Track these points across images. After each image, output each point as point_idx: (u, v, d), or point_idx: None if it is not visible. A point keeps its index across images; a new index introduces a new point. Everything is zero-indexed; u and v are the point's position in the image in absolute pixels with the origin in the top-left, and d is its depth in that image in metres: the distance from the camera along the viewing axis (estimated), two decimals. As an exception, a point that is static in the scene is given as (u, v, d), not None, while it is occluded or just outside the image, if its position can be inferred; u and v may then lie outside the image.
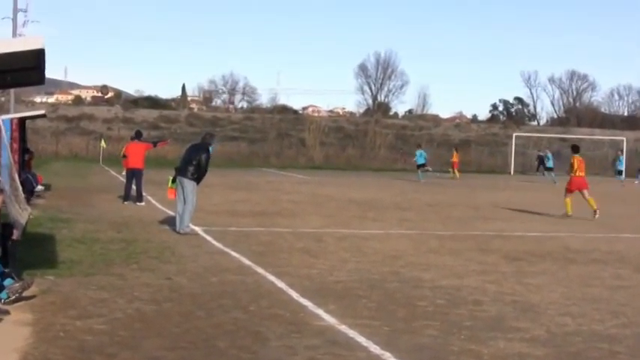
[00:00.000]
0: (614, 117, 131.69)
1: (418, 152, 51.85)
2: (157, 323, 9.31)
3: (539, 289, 12.49)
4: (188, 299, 10.78)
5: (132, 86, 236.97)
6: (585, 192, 26.21)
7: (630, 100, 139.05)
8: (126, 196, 25.63)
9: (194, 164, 18.43)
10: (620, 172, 56.81)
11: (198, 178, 18.58)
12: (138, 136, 26.93)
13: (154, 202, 25.36)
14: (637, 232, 22.09)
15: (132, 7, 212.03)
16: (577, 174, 26.18)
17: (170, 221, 19.25)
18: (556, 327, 9.78)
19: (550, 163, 55.01)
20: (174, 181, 18.94)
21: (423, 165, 50.94)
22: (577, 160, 26.34)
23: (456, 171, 56.03)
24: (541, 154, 63.63)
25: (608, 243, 19.03)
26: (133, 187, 25.76)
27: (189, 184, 18.46)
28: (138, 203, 24.89)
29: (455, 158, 57.18)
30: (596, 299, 11.75)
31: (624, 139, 77.94)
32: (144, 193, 25.62)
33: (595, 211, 25.35)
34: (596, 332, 9.58)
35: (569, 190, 26.44)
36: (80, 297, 10.66)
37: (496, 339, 9.04)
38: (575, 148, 27.54)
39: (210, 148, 19.00)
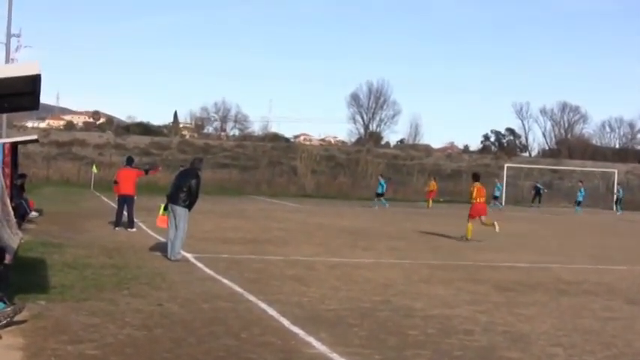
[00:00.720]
0: (606, 149, 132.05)
1: (382, 181, 54.69)
2: (148, 349, 9.32)
3: (530, 319, 12.52)
4: (179, 325, 10.78)
5: (124, 112, 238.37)
6: (483, 218, 28.19)
7: (622, 133, 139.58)
8: (117, 222, 25.60)
9: (185, 190, 18.48)
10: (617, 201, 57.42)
11: (190, 204, 18.62)
12: (129, 162, 26.94)
13: (145, 228, 25.34)
14: (627, 263, 22.14)
15: (125, 33, 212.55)
16: (477, 200, 28.16)
17: (161, 248, 19.24)
18: (547, 357, 9.82)
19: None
20: (165, 208, 18.98)
21: (381, 194, 53.73)
22: (476, 187, 28.29)
23: (430, 200, 56.50)
24: (537, 184, 63.96)
25: (598, 274, 19.08)
26: (125, 213, 25.74)
27: (181, 211, 18.50)
28: (129, 229, 24.87)
29: (432, 187, 57.73)
30: (586, 330, 11.79)
31: (615, 171, 78.14)
32: (135, 220, 25.60)
33: (494, 225, 27.59)
34: (586, 363, 9.61)
35: (471, 216, 28.09)
36: (71, 322, 10.66)
37: (487, 369, 9.07)
38: (476, 177, 29.72)
39: (200, 173, 19.10)
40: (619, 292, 16.07)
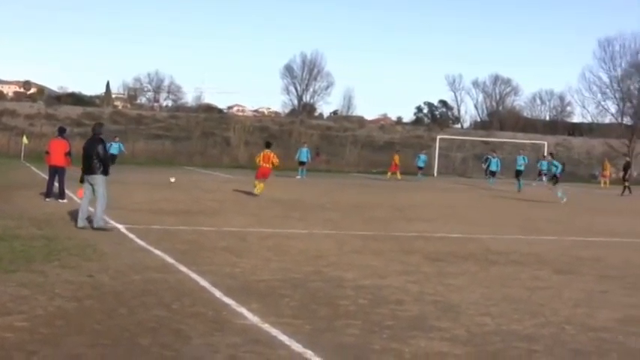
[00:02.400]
0: (536, 121, 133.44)
1: (303, 150, 55.32)
2: (78, 320, 9.25)
3: (460, 289, 12.64)
4: (110, 297, 10.72)
5: (55, 83, 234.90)
6: (261, 183, 31.94)
7: (552, 105, 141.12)
8: (47, 193, 25.33)
9: (95, 158, 18.45)
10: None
11: (104, 170, 18.57)
12: (61, 132, 26.60)
13: (76, 199, 25.11)
14: (556, 234, 22.43)
15: (57, 1, 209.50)
16: (262, 164, 32.43)
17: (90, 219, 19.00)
18: (476, 327, 9.92)
19: (493, 166, 55.79)
20: (82, 180, 18.91)
21: (303, 163, 54.46)
22: (263, 154, 32.83)
23: (398, 173, 57.11)
24: (489, 156, 64.16)
25: (528, 245, 19.31)
26: (56, 184, 25.47)
27: (97, 179, 18.50)
28: (60, 200, 24.61)
29: (396, 161, 58.24)
30: (515, 300, 11.93)
31: (545, 143, 79.10)
32: (66, 191, 25.35)
33: (258, 189, 31.60)
34: (514, 332, 9.74)
35: (257, 177, 32.30)
36: (0, 294, 10.53)
37: (417, 338, 9.14)
38: (267, 144, 34.27)
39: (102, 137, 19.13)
40: (547, 262, 16.28)
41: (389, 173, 58.05)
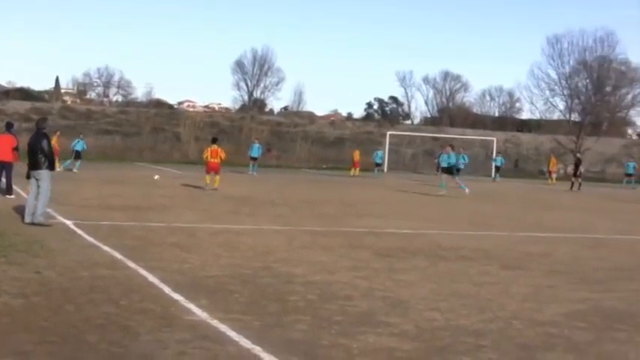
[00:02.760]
0: (485, 117, 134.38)
1: (255, 146, 55.25)
2: (25, 317, 9.18)
3: (409, 285, 12.69)
4: (57, 293, 10.64)
5: (3, 77, 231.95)
6: (213, 175, 33.56)
7: (501, 102, 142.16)
8: None
9: (39, 154, 18.30)
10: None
11: (49, 164, 18.46)
12: (8, 127, 26.38)
13: (24, 195, 24.90)
14: (504, 230, 22.61)
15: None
16: (211, 160, 33.81)
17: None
18: (425, 322, 9.96)
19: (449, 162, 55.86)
20: (27, 176, 18.78)
21: (255, 158, 54.53)
22: (211, 149, 34.32)
23: (357, 170, 57.33)
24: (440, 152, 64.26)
25: (476, 240, 19.43)
26: (3, 179, 25.24)
27: (42, 174, 18.39)
28: (7, 196, 24.41)
29: (356, 157, 58.51)
30: (463, 295, 12.00)
31: (494, 139, 79.70)
32: (14, 186, 25.13)
33: (212, 183, 33.06)
34: (463, 327, 9.79)
35: (206, 172, 33.93)
36: (-54, 291, 10.44)
37: (366, 333, 9.17)
38: (213, 140, 35.97)
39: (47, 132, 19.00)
40: (495, 258, 16.40)
41: (352, 170, 58.13)
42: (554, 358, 8.54)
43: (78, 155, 45.49)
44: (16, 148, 25.45)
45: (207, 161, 34.04)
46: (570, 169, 78.74)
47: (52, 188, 18.71)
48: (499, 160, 63.85)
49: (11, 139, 25.55)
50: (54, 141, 44.34)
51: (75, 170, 43.20)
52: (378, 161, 61.68)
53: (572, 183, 50.95)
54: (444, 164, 42.33)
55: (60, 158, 43.06)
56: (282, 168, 61.44)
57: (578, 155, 57.21)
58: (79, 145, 46.25)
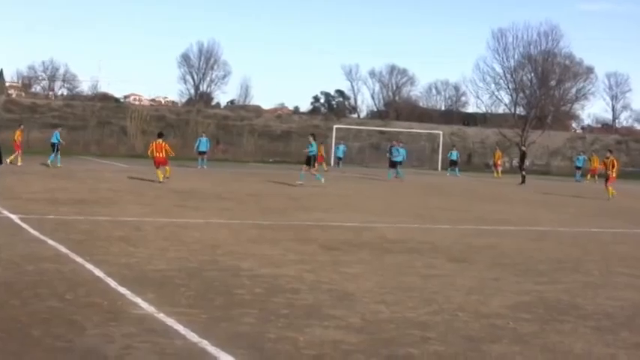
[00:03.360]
0: (432, 111, 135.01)
1: (202, 140, 55.33)
2: (-31, 312, 9.12)
3: (355, 277, 12.74)
4: (2, 288, 10.55)
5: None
6: (162, 168, 34.16)
7: (447, 95, 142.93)
8: None
9: None
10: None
11: None
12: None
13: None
14: (451, 223, 22.76)
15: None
16: (157, 154, 34.61)
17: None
18: (371, 314, 10.02)
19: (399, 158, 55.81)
20: None
21: (203, 152, 54.53)
22: (155, 144, 35.15)
23: (324, 164, 57.15)
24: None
25: (423, 233, 19.55)
26: None
27: None
28: None
29: (321, 151, 58.25)
30: (409, 287, 12.07)
31: (441, 132, 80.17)
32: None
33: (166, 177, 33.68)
34: (409, 319, 9.86)
35: (156, 166, 34.39)
36: None
37: (312, 326, 9.20)
38: (159, 135, 36.59)
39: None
40: (441, 251, 16.51)
41: (322, 165, 57.61)
42: (500, 350, 8.62)
43: (54, 147, 45.30)
44: None
45: (153, 156, 34.77)
46: (516, 162, 79.44)
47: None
48: (454, 154, 63.46)
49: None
50: (17, 135, 44.06)
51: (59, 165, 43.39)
52: (340, 155, 61.64)
53: (523, 177, 51.28)
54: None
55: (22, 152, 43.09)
56: (229, 162, 61.27)
57: (523, 148, 57.49)
58: (55, 137, 46.06)
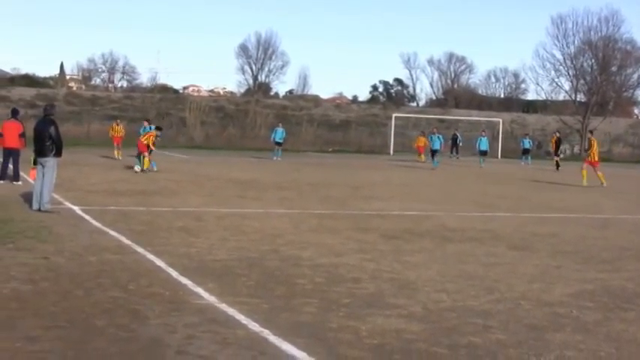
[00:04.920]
0: (491, 99, 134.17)
1: (278, 130, 54.04)
2: (33, 302, 9.21)
3: (416, 266, 12.70)
4: (66, 278, 10.66)
5: (8, 64, 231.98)
6: (146, 159, 33.09)
7: (506, 83, 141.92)
8: (2, 176, 25.09)
9: (47, 140, 18.17)
10: (483, 153, 56.65)
11: (57, 151, 18.32)
12: (14, 114, 26.36)
13: (31, 181, 24.91)
14: (510, 210, 22.61)
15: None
16: (142, 140, 33.45)
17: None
18: (432, 303, 9.98)
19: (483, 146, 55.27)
20: (35, 162, 18.64)
21: (279, 143, 53.22)
22: (151, 135, 34.02)
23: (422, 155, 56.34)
24: (456, 134, 63.36)
25: (483, 221, 19.43)
26: (10, 166, 25.27)
27: (49, 161, 18.25)
28: (14, 183, 24.42)
29: (421, 143, 57.33)
30: (471, 276, 12.01)
31: (500, 120, 79.60)
32: (21, 173, 25.14)
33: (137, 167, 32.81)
34: (470, 308, 9.80)
35: (139, 152, 33.40)
36: (-46, 277, 10.46)
37: (374, 315, 9.18)
38: (147, 120, 37.61)
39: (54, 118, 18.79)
40: (502, 239, 16.40)
41: (422, 155, 56.67)
42: (563, 339, 8.54)
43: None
44: (22, 135, 25.45)
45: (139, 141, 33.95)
46: (577, 149, 78.72)
47: (58, 174, 18.71)
48: (527, 142, 61.37)
49: (17, 126, 25.54)
50: (114, 130, 44.34)
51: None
52: (437, 147, 58.83)
53: (557, 163, 50.32)
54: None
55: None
56: (287, 152, 61.32)
57: (558, 134, 55.73)
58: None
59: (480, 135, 55.87)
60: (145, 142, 33.33)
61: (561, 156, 53.36)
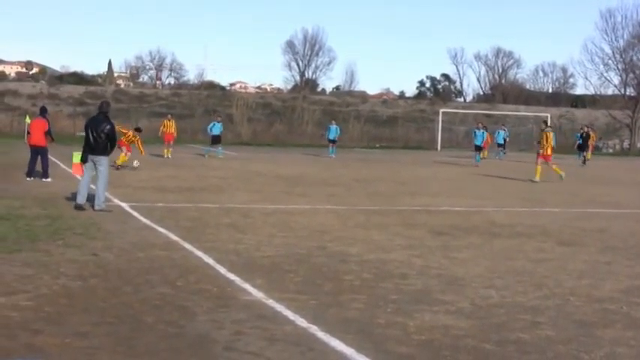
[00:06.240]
0: (539, 93, 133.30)
1: (332, 127, 52.96)
2: (82, 299, 9.27)
3: (464, 262, 12.65)
4: (114, 275, 10.73)
5: (57, 62, 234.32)
6: (123, 154, 31.68)
7: (554, 77, 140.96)
8: (29, 173, 25.18)
9: (103, 138, 18.03)
10: (500, 146, 55.48)
11: (110, 149, 18.26)
12: (42, 112, 26.45)
13: (79, 178, 25.08)
14: (559, 206, 22.46)
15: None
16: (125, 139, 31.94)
17: (92, 198, 18.74)
18: (480, 299, 9.93)
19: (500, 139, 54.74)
20: (84, 160, 18.46)
21: (334, 141, 51.98)
22: (130, 132, 32.54)
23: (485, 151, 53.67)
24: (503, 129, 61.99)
25: (531, 217, 19.32)
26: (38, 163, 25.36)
27: (102, 159, 18.16)
28: (44, 179, 24.50)
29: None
30: (519, 272, 11.94)
31: (549, 115, 78.99)
32: (64, 168, 25.21)
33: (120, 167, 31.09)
34: (519, 304, 9.74)
35: (120, 147, 30.89)
36: (5, 273, 10.54)
37: (422, 311, 9.16)
38: (138, 129, 33.81)
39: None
40: (551, 234, 16.29)
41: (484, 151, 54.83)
42: (613, 335, 8.46)
43: (216, 140, 46.21)
44: (47, 132, 25.58)
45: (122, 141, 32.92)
46: (627, 144, 77.95)
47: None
48: (578, 136, 58.58)
49: (43, 124, 25.60)
50: (166, 126, 44.15)
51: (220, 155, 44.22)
52: (500, 141, 57.16)
53: (584, 158, 49.53)
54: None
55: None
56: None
57: (586, 129, 54.18)
58: (215, 128, 46.36)
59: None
60: (127, 141, 32.70)
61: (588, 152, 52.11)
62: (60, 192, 21.10)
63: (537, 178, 31.66)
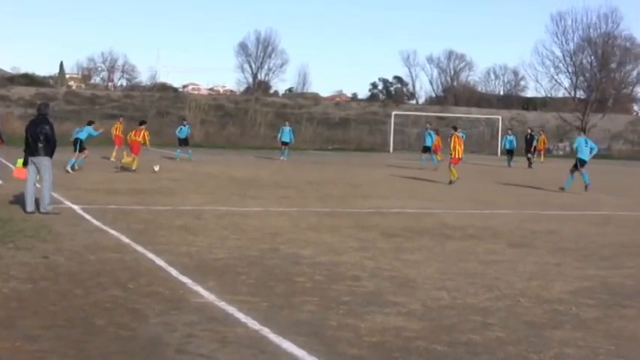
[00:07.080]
0: (491, 96, 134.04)
1: (285, 129, 52.13)
2: (33, 302, 9.21)
3: (415, 264, 12.72)
4: (65, 278, 10.67)
5: (7, 63, 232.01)
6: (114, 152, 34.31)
7: (506, 80, 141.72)
8: None
9: (42, 140, 17.78)
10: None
11: (51, 151, 18.06)
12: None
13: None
14: (510, 208, 22.63)
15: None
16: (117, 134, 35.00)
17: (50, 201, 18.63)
18: (432, 301, 9.99)
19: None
20: (25, 163, 18.24)
21: (286, 143, 51.25)
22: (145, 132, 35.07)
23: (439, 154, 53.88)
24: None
25: (482, 219, 19.46)
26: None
27: (44, 160, 17.87)
28: None
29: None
30: (470, 274, 12.03)
31: (499, 117, 79.67)
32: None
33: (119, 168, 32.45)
34: (470, 305, 9.82)
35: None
36: (-46, 276, 10.46)
37: (373, 313, 9.20)
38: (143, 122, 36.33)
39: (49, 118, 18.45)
40: (502, 236, 16.43)
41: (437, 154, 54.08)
42: (562, 336, 8.55)
43: (183, 142, 46.12)
44: None
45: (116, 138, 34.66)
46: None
47: (55, 174, 18.63)
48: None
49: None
50: (117, 129, 43.65)
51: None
52: (509, 147, 54.01)
53: (529, 160, 49.95)
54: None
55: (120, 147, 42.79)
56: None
57: (530, 131, 53.90)
58: (182, 132, 46.08)
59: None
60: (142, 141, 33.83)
61: (535, 155, 52.49)
62: (10, 194, 20.90)
63: (453, 178, 31.92)
